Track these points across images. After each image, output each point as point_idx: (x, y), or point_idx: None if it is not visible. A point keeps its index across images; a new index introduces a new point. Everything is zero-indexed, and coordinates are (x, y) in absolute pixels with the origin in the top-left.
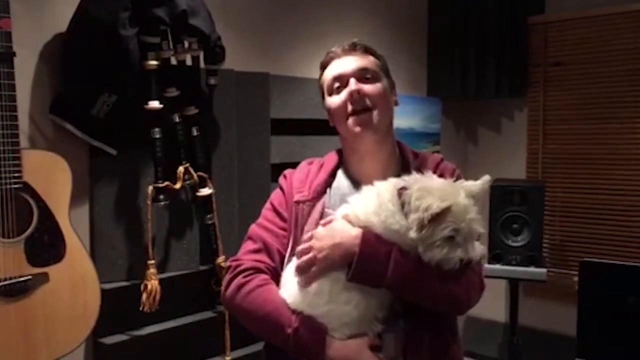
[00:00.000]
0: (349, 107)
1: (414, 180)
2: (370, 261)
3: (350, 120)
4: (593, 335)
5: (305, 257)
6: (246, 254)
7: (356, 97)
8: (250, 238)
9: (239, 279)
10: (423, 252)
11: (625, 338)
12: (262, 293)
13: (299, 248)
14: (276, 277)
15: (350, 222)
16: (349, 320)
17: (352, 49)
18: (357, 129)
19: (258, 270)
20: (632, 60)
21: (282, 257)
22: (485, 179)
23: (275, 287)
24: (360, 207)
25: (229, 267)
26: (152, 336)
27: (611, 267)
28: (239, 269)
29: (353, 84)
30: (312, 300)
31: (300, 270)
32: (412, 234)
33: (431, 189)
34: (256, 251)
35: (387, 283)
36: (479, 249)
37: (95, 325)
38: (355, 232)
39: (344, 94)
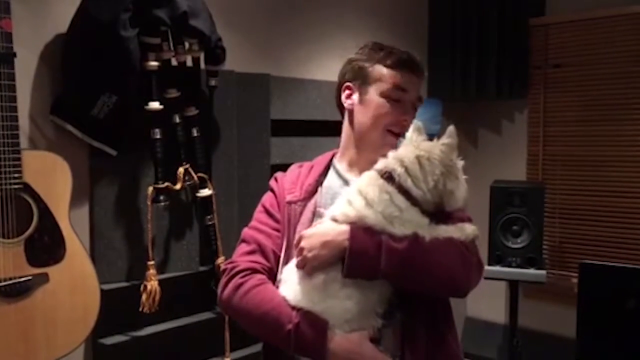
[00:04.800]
0: (395, 127)
1: (391, 160)
2: (362, 255)
3: (386, 136)
4: (592, 337)
5: (297, 259)
6: (241, 255)
7: (405, 124)
8: (244, 241)
9: (236, 280)
10: (447, 202)
11: (624, 340)
12: (260, 292)
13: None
14: (272, 278)
15: (338, 223)
16: (350, 317)
17: (420, 69)
18: (386, 150)
19: (254, 271)
20: (632, 62)
21: (277, 258)
22: (450, 129)
23: (272, 286)
24: (346, 207)
25: (225, 269)
26: (151, 337)
27: (611, 270)
28: (234, 270)
29: (411, 111)
30: (313, 297)
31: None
32: (429, 195)
33: (418, 151)
34: (251, 252)
35: (382, 274)
36: (469, 228)
37: (95, 325)
38: (344, 228)
39: (400, 111)
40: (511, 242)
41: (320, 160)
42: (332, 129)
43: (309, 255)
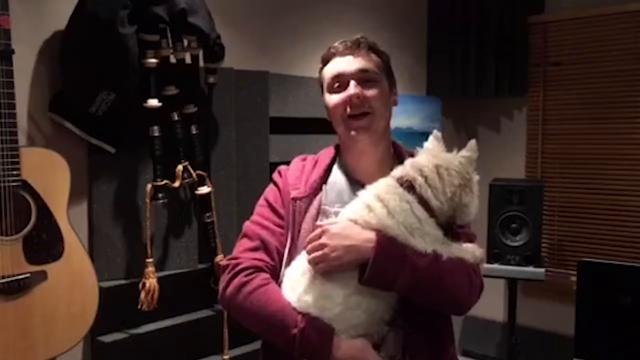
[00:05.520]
0: (347, 110)
1: (410, 169)
2: (384, 267)
3: (347, 123)
4: (590, 334)
5: (318, 253)
6: (244, 252)
7: (355, 101)
8: (246, 236)
9: (240, 278)
10: (459, 216)
11: (622, 338)
12: (265, 293)
13: (310, 239)
14: (275, 276)
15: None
16: (358, 323)
17: (356, 46)
18: (353, 132)
19: (258, 269)
20: (631, 60)
21: (281, 255)
22: (471, 143)
23: (277, 287)
24: (367, 213)
25: (227, 266)
26: (150, 334)
27: (609, 267)
28: (238, 267)
29: (353, 88)
30: (321, 304)
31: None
32: (446, 207)
33: (436, 161)
34: (254, 249)
35: (398, 288)
36: (478, 251)
37: (94, 323)
38: (370, 235)
39: (342, 96)
40: (510, 240)
41: (325, 154)
42: (330, 127)
43: (332, 255)
